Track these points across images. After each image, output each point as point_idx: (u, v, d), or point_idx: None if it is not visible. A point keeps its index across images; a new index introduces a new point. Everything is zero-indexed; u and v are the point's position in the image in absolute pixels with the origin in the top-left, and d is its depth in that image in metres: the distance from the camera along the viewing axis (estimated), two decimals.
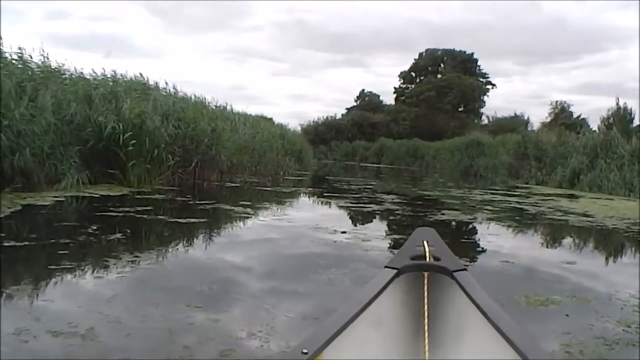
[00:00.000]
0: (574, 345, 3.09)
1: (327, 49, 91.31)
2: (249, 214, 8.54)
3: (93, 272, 4.37)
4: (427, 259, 2.22)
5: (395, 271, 2.14)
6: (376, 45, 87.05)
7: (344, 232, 6.93)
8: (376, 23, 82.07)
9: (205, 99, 16.62)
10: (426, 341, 2.03)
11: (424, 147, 43.49)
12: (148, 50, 73.58)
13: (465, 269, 2.16)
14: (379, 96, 64.89)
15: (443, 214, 9.85)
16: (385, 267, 2.20)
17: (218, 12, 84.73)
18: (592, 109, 60.76)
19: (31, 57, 10.50)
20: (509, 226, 9.27)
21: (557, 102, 44.88)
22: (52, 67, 11.04)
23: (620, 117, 24.95)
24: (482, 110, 56.14)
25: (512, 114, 48.17)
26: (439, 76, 57.30)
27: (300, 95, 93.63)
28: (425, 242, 2.31)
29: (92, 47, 64.32)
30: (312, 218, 8.43)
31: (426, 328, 2.06)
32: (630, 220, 10.14)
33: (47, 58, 10.91)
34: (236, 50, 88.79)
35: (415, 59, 60.00)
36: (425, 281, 2.19)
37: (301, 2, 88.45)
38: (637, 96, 65.26)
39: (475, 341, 1.94)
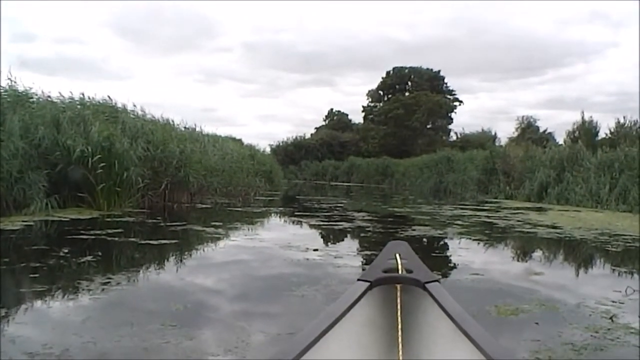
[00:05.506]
0: (544, 352, 3.16)
1: (296, 69, 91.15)
2: (220, 234, 8.50)
3: (66, 294, 4.35)
4: (400, 272, 2.25)
5: (368, 284, 2.17)
6: (346, 64, 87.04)
7: (315, 250, 6.95)
8: (346, 42, 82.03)
9: (173, 121, 16.63)
10: (400, 352, 2.05)
11: (393, 165, 43.76)
12: (116, 73, 72.51)
13: (437, 281, 2.19)
14: (347, 115, 65.30)
15: (414, 230, 9.91)
16: (358, 280, 2.22)
17: (187, 32, 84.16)
18: (558, 123, 61.26)
19: None
20: (479, 240, 9.35)
21: (523, 117, 45.51)
22: (20, 91, 10.96)
23: (585, 131, 25.53)
24: (450, 126, 56.64)
25: (480, 130, 48.83)
26: (406, 94, 57.65)
27: (270, 116, 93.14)
28: (397, 255, 2.34)
29: (59, 70, 63.66)
30: (284, 237, 8.44)
31: (399, 339, 2.07)
32: (597, 231, 10.34)
33: (15, 82, 10.85)
34: (206, 71, 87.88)
35: (383, 77, 60.27)
36: (398, 293, 2.21)
37: (270, 22, 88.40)
38: (601, 110, 66.14)
39: (448, 351, 1.95)
